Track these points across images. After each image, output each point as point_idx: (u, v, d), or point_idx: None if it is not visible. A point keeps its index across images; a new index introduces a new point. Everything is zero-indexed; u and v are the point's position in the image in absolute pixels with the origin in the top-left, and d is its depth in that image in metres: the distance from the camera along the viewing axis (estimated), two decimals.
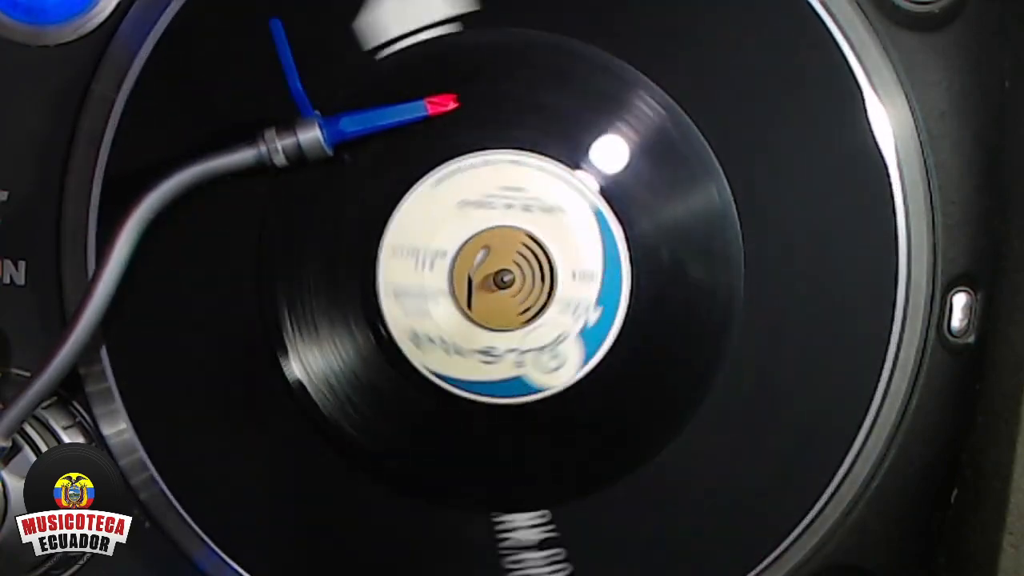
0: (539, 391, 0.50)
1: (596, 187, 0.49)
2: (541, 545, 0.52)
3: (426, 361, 0.50)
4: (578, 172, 0.49)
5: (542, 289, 0.49)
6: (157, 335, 0.51)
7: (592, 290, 0.49)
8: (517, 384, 0.50)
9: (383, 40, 0.50)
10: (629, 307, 0.50)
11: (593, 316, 0.49)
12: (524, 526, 0.52)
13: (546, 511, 0.52)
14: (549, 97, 0.50)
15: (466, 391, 0.50)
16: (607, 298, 0.49)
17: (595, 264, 0.49)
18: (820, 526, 0.52)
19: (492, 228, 0.49)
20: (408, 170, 0.49)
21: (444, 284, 0.49)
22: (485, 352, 0.50)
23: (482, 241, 0.49)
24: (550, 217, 0.49)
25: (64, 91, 0.50)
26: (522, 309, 0.49)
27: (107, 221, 0.49)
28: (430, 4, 0.50)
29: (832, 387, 0.51)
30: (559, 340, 0.49)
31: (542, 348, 0.50)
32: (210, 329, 0.51)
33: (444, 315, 0.49)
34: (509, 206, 0.49)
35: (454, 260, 0.49)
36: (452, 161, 0.49)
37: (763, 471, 0.51)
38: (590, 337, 0.50)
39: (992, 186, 0.50)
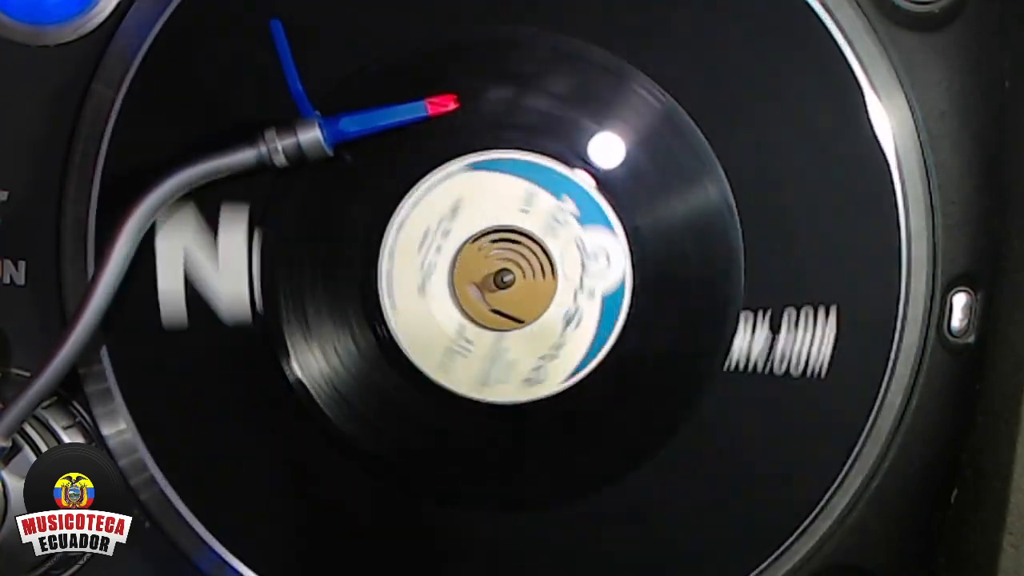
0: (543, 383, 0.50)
1: (594, 184, 0.49)
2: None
3: (429, 371, 0.50)
4: (577, 170, 0.49)
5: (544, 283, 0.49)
6: (157, 335, 0.51)
7: (603, 282, 0.50)
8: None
9: None
10: (629, 307, 0.50)
11: (591, 311, 0.50)
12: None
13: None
14: (547, 95, 0.50)
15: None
16: (609, 304, 0.50)
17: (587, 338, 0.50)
18: (820, 526, 0.52)
19: (504, 227, 0.49)
20: (408, 171, 0.49)
21: (446, 272, 0.49)
22: (495, 363, 0.50)
23: (493, 239, 0.49)
24: (559, 228, 0.49)
25: (64, 91, 0.50)
26: (516, 309, 0.49)
27: (107, 221, 0.49)
28: None
29: (832, 387, 0.51)
30: (569, 321, 0.50)
31: (538, 346, 0.50)
32: (210, 329, 0.51)
33: (442, 311, 0.49)
34: (524, 211, 0.49)
35: (458, 251, 0.49)
36: (489, 151, 0.49)
37: (763, 471, 0.51)
38: (605, 316, 0.50)
39: (992, 186, 0.50)
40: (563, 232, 0.49)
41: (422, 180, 0.49)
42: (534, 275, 0.49)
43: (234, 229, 0.51)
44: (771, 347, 0.50)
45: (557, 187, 0.49)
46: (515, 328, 0.50)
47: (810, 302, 0.50)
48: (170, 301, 0.51)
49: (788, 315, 0.50)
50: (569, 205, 0.49)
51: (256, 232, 0.50)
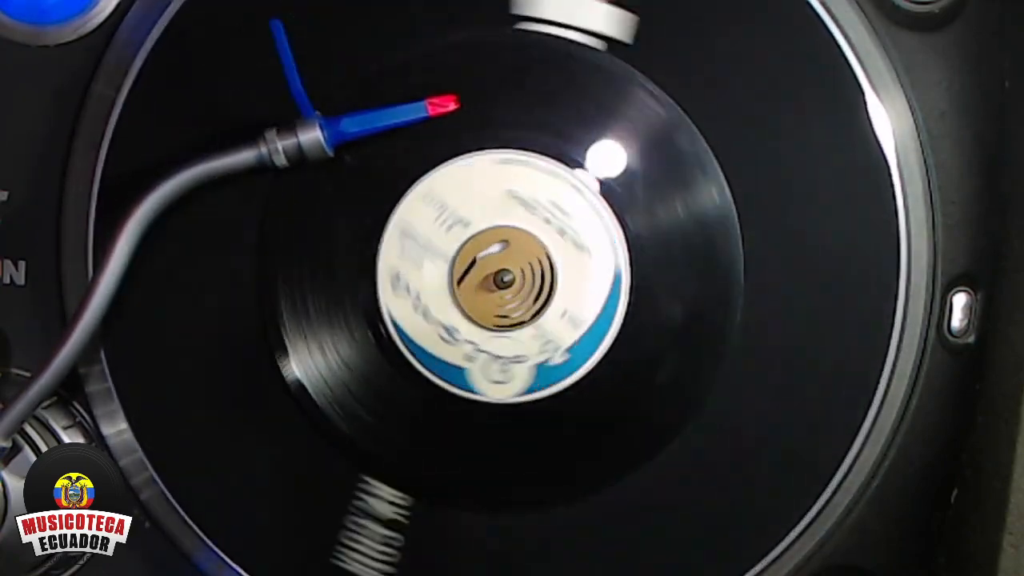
0: (476, 393, 0.50)
1: (596, 187, 0.49)
2: (389, 524, 0.52)
3: (391, 306, 0.49)
4: (578, 171, 0.49)
5: (531, 308, 0.49)
6: (157, 335, 0.51)
7: (570, 336, 0.49)
8: (457, 375, 0.50)
9: (530, 14, 0.50)
10: (630, 305, 0.50)
11: (556, 359, 0.49)
12: (385, 499, 0.51)
13: (407, 496, 0.52)
14: (547, 95, 0.50)
15: (413, 356, 0.50)
16: (578, 351, 0.49)
17: (588, 315, 0.49)
18: (820, 526, 0.52)
19: (522, 230, 0.49)
20: (408, 170, 0.49)
21: (451, 250, 0.49)
22: (447, 330, 0.49)
23: (506, 235, 0.49)
24: (576, 252, 0.49)
25: (64, 91, 0.50)
26: (502, 314, 0.49)
27: (107, 221, 0.49)
28: (591, 10, 0.49)
29: (832, 387, 0.51)
30: (516, 360, 0.49)
31: (497, 358, 0.49)
32: (210, 329, 0.51)
33: (432, 276, 0.49)
34: (548, 221, 0.49)
35: (472, 236, 0.49)
36: (516, 152, 0.49)
37: (763, 471, 0.51)
38: (542, 374, 0.50)
39: (992, 186, 0.50)
40: (563, 232, 0.49)
41: (421, 179, 0.49)
42: (534, 275, 0.49)
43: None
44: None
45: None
46: (515, 328, 0.50)
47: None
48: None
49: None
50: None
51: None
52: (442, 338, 0.49)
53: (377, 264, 0.49)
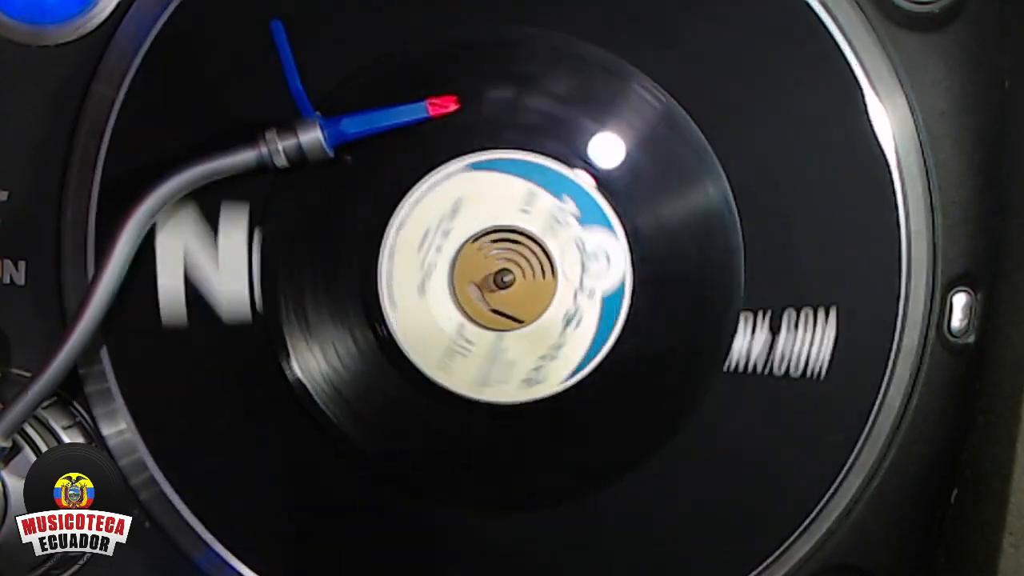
0: (511, 399, 0.50)
1: (594, 184, 0.49)
2: None
3: (434, 375, 0.50)
4: (576, 169, 0.49)
5: (535, 305, 0.49)
6: (157, 335, 0.51)
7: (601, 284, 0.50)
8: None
9: None
10: (629, 307, 0.50)
11: (590, 312, 0.50)
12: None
13: None
14: (547, 95, 0.50)
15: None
16: (609, 304, 0.50)
17: (595, 296, 0.50)
18: (820, 526, 0.52)
19: (513, 228, 0.49)
20: (408, 171, 0.49)
21: (448, 262, 0.49)
22: (496, 362, 0.50)
23: (498, 236, 0.49)
24: (571, 243, 0.49)
25: (64, 91, 0.50)
26: (507, 314, 0.49)
27: (107, 221, 0.49)
28: None
29: (832, 387, 0.51)
30: (568, 322, 0.50)
31: (540, 344, 0.50)
32: (210, 329, 0.51)
33: (435, 293, 0.50)
34: (541, 216, 0.49)
35: (463, 245, 0.49)
36: (496, 150, 0.49)
37: (763, 471, 0.51)
38: (604, 314, 0.50)
39: (992, 186, 0.50)
40: (563, 232, 0.49)
41: (422, 180, 0.49)
42: (534, 275, 0.49)
43: (234, 229, 0.51)
44: (771, 347, 0.50)
45: (557, 187, 0.49)
46: (515, 328, 0.50)
47: (810, 303, 0.50)
48: (170, 300, 0.51)
49: (788, 316, 0.50)
50: (569, 205, 0.49)
51: (256, 232, 0.50)
52: (487, 372, 0.50)
53: (377, 271, 0.49)
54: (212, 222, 0.50)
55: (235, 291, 0.51)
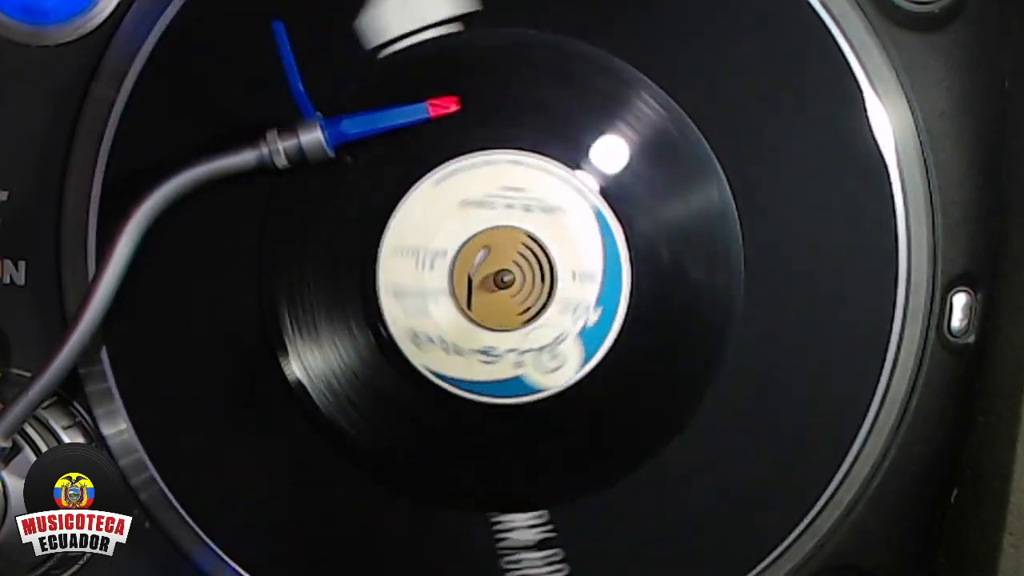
0: (538, 391, 0.50)
1: (596, 187, 0.49)
2: (540, 545, 0.52)
3: (426, 361, 0.50)
4: (578, 172, 0.49)
5: (542, 289, 0.49)
6: (157, 335, 0.51)
7: (592, 291, 0.49)
8: (516, 384, 0.50)
9: (385, 39, 0.50)
10: (629, 307, 0.50)
11: (593, 317, 0.49)
12: (522, 526, 0.52)
13: (544, 511, 0.52)
14: (549, 97, 0.50)
15: (466, 391, 0.50)
16: (607, 298, 0.49)
17: (595, 264, 0.49)
18: (820, 526, 0.52)
19: (492, 228, 0.49)
20: (408, 170, 0.49)
21: (444, 284, 0.49)
22: (485, 352, 0.50)
23: (482, 241, 0.49)
24: (550, 217, 0.49)
25: (64, 91, 0.50)
26: (522, 309, 0.49)
27: (107, 221, 0.49)
28: (432, 4, 0.49)
29: (832, 387, 0.51)
30: (559, 340, 0.49)
31: (541, 348, 0.50)
32: (210, 329, 0.51)
33: (444, 315, 0.49)
34: (509, 206, 0.49)
35: (454, 260, 0.49)
36: (452, 161, 0.49)
37: (763, 471, 0.51)
38: (590, 337, 0.50)
39: (992, 186, 0.51)
40: (564, 232, 0.49)
41: (423, 179, 0.49)
42: (534, 275, 0.49)
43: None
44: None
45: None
46: (515, 328, 0.50)
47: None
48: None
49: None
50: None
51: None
52: (485, 362, 0.50)
53: (377, 266, 0.49)
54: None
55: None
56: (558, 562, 0.52)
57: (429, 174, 0.49)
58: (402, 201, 0.49)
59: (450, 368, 0.50)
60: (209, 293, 0.51)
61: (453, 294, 0.49)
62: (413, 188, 0.49)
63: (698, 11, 0.50)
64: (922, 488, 0.52)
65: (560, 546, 0.52)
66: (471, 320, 0.49)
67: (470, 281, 0.49)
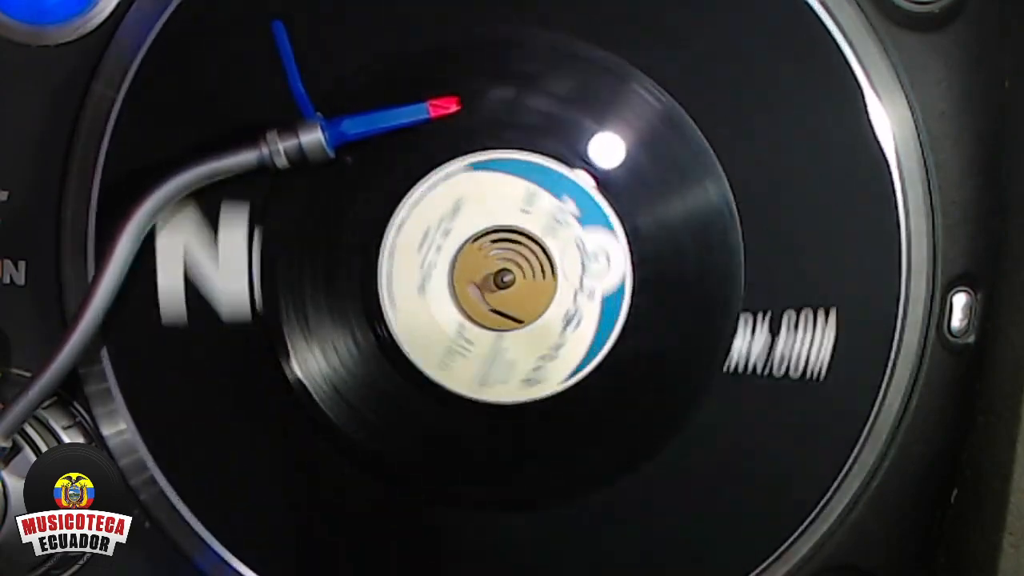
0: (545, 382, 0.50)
1: (594, 184, 0.49)
2: None
3: (432, 373, 0.50)
4: (577, 170, 0.49)
5: (534, 307, 0.49)
6: (157, 335, 0.51)
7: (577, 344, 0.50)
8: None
9: None
10: (630, 307, 0.50)
11: (589, 314, 0.50)
12: None
13: None
14: (548, 95, 0.50)
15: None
16: (609, 305, 0.50)
17: (592, 314, 0.50)
18: (820, 526, 0.52)
19: (516, 228, 0.49)
20: (408, 171, 0.49)
21: (448, 259, 0.49)
22: (495, 362, 0.50)
23: (501, 236, 0.49)
24: (573, 246, 0.49)
25: (64, 91, 0.50)
26: (506, 314, 0.49)
27: (107, 221, 0.49)
28: None
29: (832, 387, 0.51)
30: (568, 323, 0.50)
31: (540, 344, 0.50)
32: (210, 329, 0.51)
33: (443, 316, 0.49)
34: (544, 218, 0.49)
35: (467, 242, 0.49)
36: (509, 151, 0.49)
37: (762, 472, 0.51)
38: (605, 312, 0.50)
39: (992, 186, 0.50)
40: (563, 232, 0.49)
41: (423, 179, 0.49)
42: (534, 275, 0.49)
43: (234, 228, 0.51)
44: (771, 348, 0.50)
45: (558, 187, 0.49)
46: (514, 328, 0.50)
47: (810, 303, 0.50)
48: (170, 300, 0.51)
49: (788, 316, 0.50)
50: (570, 206, 0.49)
51: (256, 231, 0.50)
52: (486, 374, 0.50)
53: (377, 270, 0.49)
54: (212, 222, 0.50)
55: (235, 291, 0.51)
56: None
57: (478, 153, 0.49)
58: (404, 199, 0.49)
59: (451, 379, 0.50)
60: (209, 293, 0.51)
61: (452, 272, 0.49)
62: (415, 188, 0.49)
63: (698, 10, 0.50)
64: (922, 488, 0.52)
65: (559, 545, 0.52)
66: (458, 304, 0.49)
67: (473, 268, 0.49)
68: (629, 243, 0.49)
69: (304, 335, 0.51)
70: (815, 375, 0.51)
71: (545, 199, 0.49)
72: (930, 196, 0.50)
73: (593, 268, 0.49)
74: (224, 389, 0.52)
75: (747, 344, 0.50)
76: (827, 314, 0.50)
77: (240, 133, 0.47)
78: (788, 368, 0.51)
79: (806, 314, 0.50)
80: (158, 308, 0.51)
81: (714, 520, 0.52)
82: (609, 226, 0.49)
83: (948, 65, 0.50)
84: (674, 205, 0.50)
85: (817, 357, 0.51)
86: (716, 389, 0.51)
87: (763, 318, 0.50)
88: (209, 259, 0.51)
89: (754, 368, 0.51)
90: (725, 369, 0.51)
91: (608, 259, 0.49)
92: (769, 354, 0.50)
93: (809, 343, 0.50)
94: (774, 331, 0.50)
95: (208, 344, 0.51)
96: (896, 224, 0.50)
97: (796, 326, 0.50)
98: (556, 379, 0.50)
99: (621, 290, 0.50)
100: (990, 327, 0.51)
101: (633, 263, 0.49)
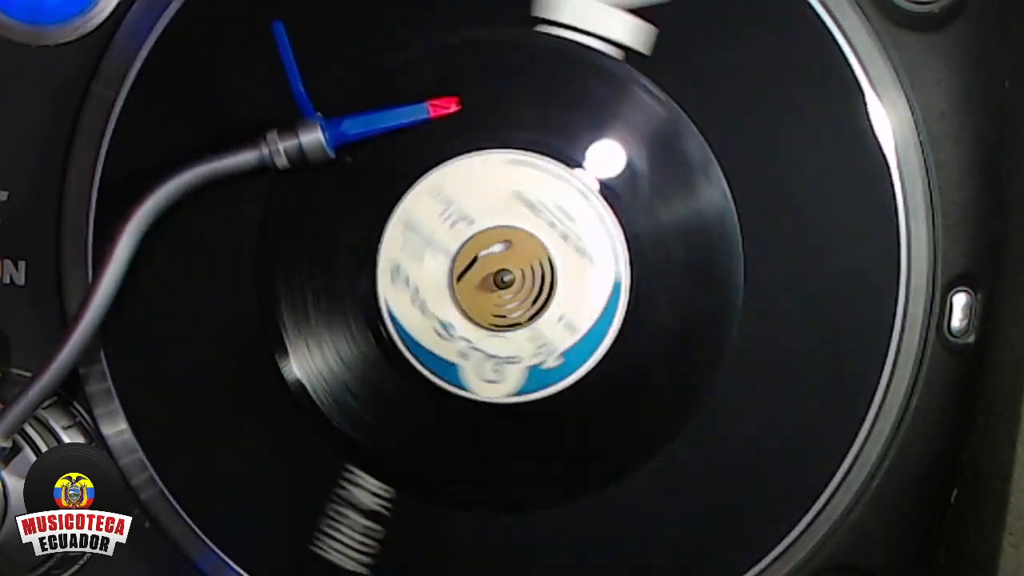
0: (465, 389, 0.50)
1: (596, 186, 0.49)
2: (369, 515, 0.52)
3: (388, 296, 0.49)
4: (577, 171, 0.49)
5: (528, 310, 0.49)
6: (157, 335, 0.51)
7: (565, 341, 0.49)
8: (450, 371, 0.50)
9: (551, 18, 0.49)
10: (629, 306, 0.50)
11: (550, 362, 0.50)
12: (368, 490, 0.51)
13: (391, 489, 0.52)
14: (549, 97, 0.50)
15: (405, 344, 0.50)
16: (573, 356, 0.50)
17: (585, 322, 0.49)
18: (820, 526, 0.52)
19: (526, 231, 0.49)
20: (410, 168, 0.49)
21: (453, 247, 0.49)
22: (444, 325, 0.49)
23: (509, 235, 0.49)
24: (578, 258, 0.49)
25: (64, 91, 0.50)
26: (498, 314, 0.49)
27: (107, 221, 0.49)
28: (611, 20, 0.49)
29: (832, 387, 0.51)
30: (509, 360, 0.49)
31: (491, 357, 0.49)
32: (210, 329, 0.51)
33: (432, 271, 0.49)
34: (552, 225, 0.49)
35: (475, 234, 0.49)
36: (521, 152, 0.49)
37: (762, 472, 0.51)
38: (535, 376, 0.50)
39: (992, 186, 0.50)
40: (567, 236, 0.49)
41: (423, 178, 0.49)
42: (534, 276, 0.49)
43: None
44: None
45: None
46: (513, 328, 0.50)
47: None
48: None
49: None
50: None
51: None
52: (437, 333, 0.50)
53: (377, 264, 0.49)
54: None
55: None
56: (373, 539, 0.51)
57: (497, 151, 0.49)
58: (409, 191, 0.49)
59: (406, 319, 0.50)
60: (209, 293, 0.51)
61: (453, 260, 0.49)
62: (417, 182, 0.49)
63: (698, 11, 0.50)
64: (922, 488, 0.52)
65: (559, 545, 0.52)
66: (452, 292, 0.49)
67: (474, 260, 0.49)
68: (628, 246, 0.49)
69: (304, 335, 0.51)
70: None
71: (546, 200, 0.49)
72: (930, 196, 0.50)
73: (593, 270, 0.49)
74: (224, 389, 0.52)
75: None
76: (827, 313, 0.50)
77: (240, 133, 0.47)
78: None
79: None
80: (158, 308, 0.51)
81: (714, 520, 0.52)
82: (609, 228, 0.49)
83: (948, 65, 0.50)
84: (674, 206, 0.50)
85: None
86: (716, 388, 0.51)
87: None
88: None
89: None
90: (725, 368, 0.50)
91: (608, 260, 0.49)
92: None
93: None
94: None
95: (208, 344, 0.51)
96: (896, 224, 0.50)
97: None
98: (485, 390, 0.50)
99: (618, 297, 0.49)
100: (990, 327, 0.51)
101: (632, 264, 0.49)
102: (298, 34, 0.47)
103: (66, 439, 0.50)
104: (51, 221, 0.51)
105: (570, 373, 0.50)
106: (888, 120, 0.50)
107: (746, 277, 0.50)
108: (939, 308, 0.51)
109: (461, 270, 0.49)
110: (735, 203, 0.50)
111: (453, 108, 0.48)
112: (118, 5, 0.50)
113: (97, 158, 0.50)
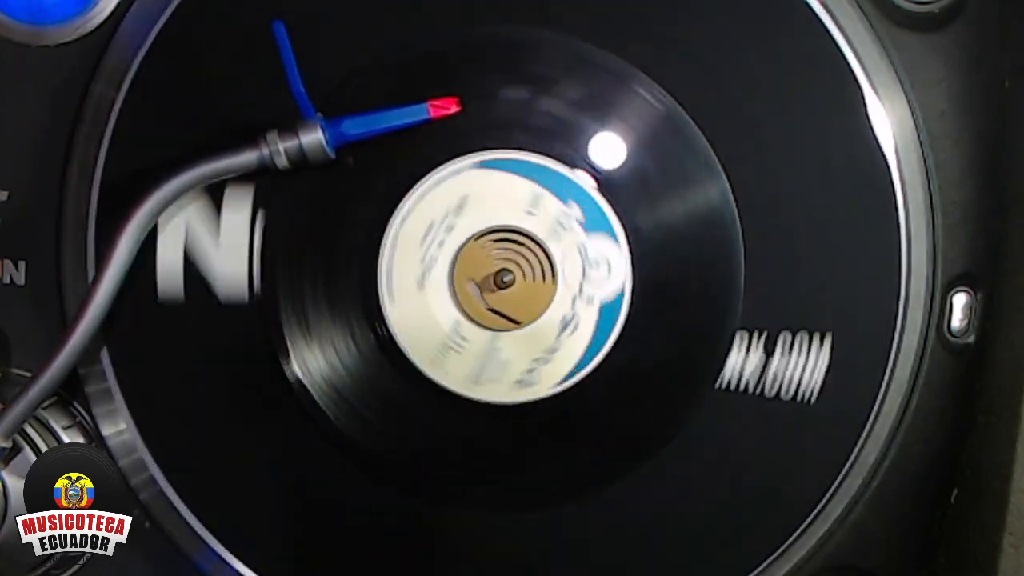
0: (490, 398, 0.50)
1: (596, 186, 0.49)
2: None
3: (389, 297, 0.49)
4: (577, 171, 0.49)
5: (528, 310, 0.49)
6: (157, 335, 0.51)
7: (566, 341, 0.50)
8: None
9: None
10: (630, 306, 0.50)
11: (551, 362, 0.50)
12: None
13: None
14: (549, 96, 0.50)
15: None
16: (573, 356, 0.50)
17: (585, 323, 0.50)
18: (820, 526, 0.52)
19: (526, 231, 0.49)
20: (415, 165, 0.49)
21: (453, 246, 0.49)
22: (456, 333, 0.50)
23: (510, 235, 0.49)
24: (578, 258, 0.49)
25: (64, 91, 0.50)
26: (503, 313, 0.49)
27: (107, 221, 0.49)
28: None
29: (832, 387, 0.51)
30: (509, 360, 0.50)
31: (491, 357, 0.50)
32: (211, 329, 0.51)
33: (433, 270, 0.50)
34: (552, 225, 0.49)
35: (475, 234, 0.49)
36: (516, 151, 0.49)
37: (763, 471, 0.51)
38: (534, 376, 0.50)
39: (992, 186, 0.50)
40: (566, 237, 0.49)
41: (430, 174, 0.49)
42: (534, 277, 0.49)
43: (234, 229, 0.51)
44: (771, 351, 0.50)
45: (564, 191, 0.49)
46: (511, 329, 0.50)
47: (810, 301, 0.50)
48: (170, 301, 0.51)
49: (788, 314, 0.50)
50: (575, 211, 0.49)
51: (256, 231, 0.50)
52: (450, 347, 0.50)
53: (378, 264, 0.49)
54: (212, 223, 0.50)
55: (234, 291, 0.51)
56: None
57: (489, 151, 0.49)
58: (409, 193, 0.49)
59: (406, 318, 0.50)
60: (209, 293, 0.51)
61: (454, 259, 0.49)
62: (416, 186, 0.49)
63: (698, 10, 0.50)
64: (922, 488, 0.52)
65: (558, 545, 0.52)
66: (452, 292, 0.49)
67: (475, 260, 0.49)
68: (631, 252, 0.49)
69: (304, 334, 0.51)
70: (816, 375, 0.50)
71: (550, 202, 0.49)
72: (930, 196, 0.50)
73: (594, 275, 0.49)
74: (224, 389, 0.52)
75: (747, 343, 0.50)
76: (827, 315, 0.50)
77: (240, 133, 0.47)
78: (789, 367, 0.51)
79: (806, 313, 0.50)
80: (158, 309, 0.51)
81: (714, 521, 0.52)
82: (612, 234, 0.49)
83: (948, 65, 0.50)
84: (675, 206, 0.50)
85: (817, 356, 0.50)
86: (716, 388, 0.51)
87: (763, 316, 0.50)
88: (209, 259, 0.51)
89: (755, 368, 0.50)
90: (725, 368, 0.50)
91: (609, 267, 0.49)
92: (769, 355, 0.50)
93: (809, 343, 0.50)
94: (773, 337, 0.50)
95: (208, 344, 0.51)
96: (896, 224, 0.50)
97: (797, 330, 0.50)
98: (549, 382, 0.50)
99: (620, 299, 0.49)
100: (990, 327, 0.51)
101: (634, 273, 0.49)
102: (298, 34, 0.47)
103: (66, 439, 0.50)
104: (51, 221, 0.51)
105: (570, 373, 0.50)
106: (888, 120, 0.50)
107: (746, 276, 0.50)
108: (939, 308, 0.51)
109: (462, 270, 0.49)
110: (735, 202, 0.50)
111: (453, 108, 0.48)
112: (118, 5, 0.50)
113: (97, 158, 0.50)
